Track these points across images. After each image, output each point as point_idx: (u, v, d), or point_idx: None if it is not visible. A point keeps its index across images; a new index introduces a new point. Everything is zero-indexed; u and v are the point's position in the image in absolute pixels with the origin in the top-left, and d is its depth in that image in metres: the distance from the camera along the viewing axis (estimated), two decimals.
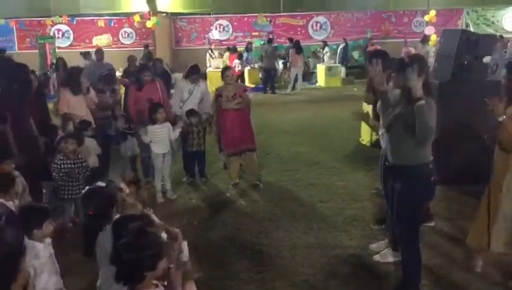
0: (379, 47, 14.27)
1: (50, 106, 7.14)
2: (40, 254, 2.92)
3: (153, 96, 6.36)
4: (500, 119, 3.72)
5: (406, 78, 3.27)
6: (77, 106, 5.82)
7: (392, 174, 3.65)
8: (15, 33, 19.57)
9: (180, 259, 2.37)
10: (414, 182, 3.42)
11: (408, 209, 3.46)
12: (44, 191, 5.51)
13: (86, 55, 13.53)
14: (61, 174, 4.75)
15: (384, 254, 4.30)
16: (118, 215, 2.69)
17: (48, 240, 3.05)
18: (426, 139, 3.26)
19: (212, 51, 17.97)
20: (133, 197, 4.47)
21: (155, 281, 2.15)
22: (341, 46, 18.22)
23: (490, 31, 19.96)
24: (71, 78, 6.14)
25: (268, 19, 20.43)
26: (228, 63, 16.47)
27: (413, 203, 3.45)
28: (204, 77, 15.82)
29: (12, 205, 3.63)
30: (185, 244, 2.50)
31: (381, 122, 4.04)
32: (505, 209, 3.77)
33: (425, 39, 15.20)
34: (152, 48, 17.24)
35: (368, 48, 16.28)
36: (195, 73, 6.63)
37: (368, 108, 5.25)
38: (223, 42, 19.92)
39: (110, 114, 6.65)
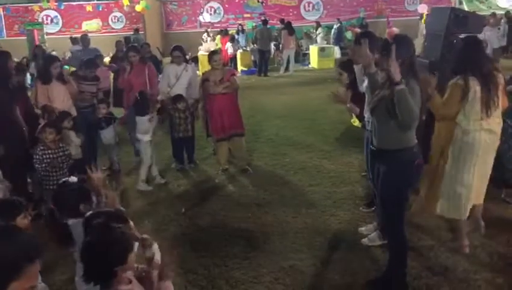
0: (358, 29, 14.15)
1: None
2: None
3: (139, 80, 6.25)
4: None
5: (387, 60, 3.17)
6: (57, 96, 5.65)
7: (377, 158, 3.59)
8: (3, 19, 19.30)
9: (153, 261, 2.30)
10: (398, 167, 3.37)
11: (393, 193, 3.41)
12: (29, 180, 5.47)
13: (74, 40, 13.34)
14: (43, 165, 4.66)
15: (372, 237, 4.28)
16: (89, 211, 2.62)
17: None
18: (409, 124, 3.18)
19: (208, 34, 17.72)
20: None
21: (128, 275, 2.09)
22: (335, 27, 18.04)
23: (483, 8, 19.80)
24: (43, 68, 6.00)
25: (259, 0, 20.18)
26: (220, 46, 16.31)
27: (398, 187, 3.39)
28: (196, 60, 15.70)
29: None
30: (155, 248, 2.42)
31: (366, 103, 3.97)
32: (451, 172, 3.97)
33: (421, 17, 15.10)
34: (142, 32, 17.04)
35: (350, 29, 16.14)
36: (176, 50, 6.49)
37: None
38: (215, 25, 19.69)
39: (95, 102, 6.50)
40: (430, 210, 4.26)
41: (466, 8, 18.54)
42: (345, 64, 5.09)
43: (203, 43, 17.62)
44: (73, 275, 2.86)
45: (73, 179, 2.73)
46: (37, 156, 4.67)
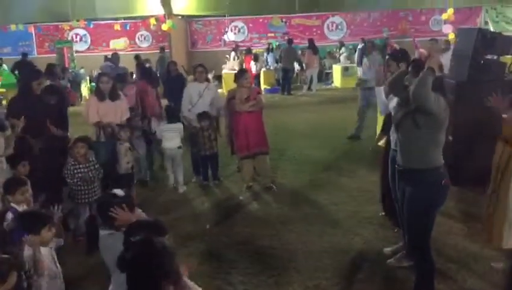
0: (397, 46, 14.09)
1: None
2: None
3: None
4: (505, 116, 3.71)
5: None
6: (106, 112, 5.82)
7: (403, 178, 3.58)
8: (34, 38, 19.91)
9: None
10: (425, 187, 3.36)
11: (419, 214, 3.40)
12: None
13: (107, 59, 13.68)
14: (74, 180, 4.78)
15: (398, 258, 4.24)
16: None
17: (51, 244, 3.07)
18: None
19: (236, 53, 17.91)
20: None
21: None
22: (359, 47, 18.03)
23: (510, 28, 19.59)
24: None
25: (283, 20, 20.39)
26: (244, 64, 16.48)
27: (425, 208, 3.38)
28: (219, 78, 15.89)
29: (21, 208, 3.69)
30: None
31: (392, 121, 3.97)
32: None
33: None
34: (168, 50, 17.34)
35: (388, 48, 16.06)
36: (200, 66, 6.70)
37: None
38: (238, 44, 19.94)
39: None
40: (494, 243, 4.07)
41: (492, 29, 18.39)
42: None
43: (227, 61, 17.83)
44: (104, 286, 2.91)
45: (120, 192, 2.80)
46: (68, 171, 4.79)
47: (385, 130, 4.71)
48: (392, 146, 4.18)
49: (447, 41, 12.18)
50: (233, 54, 17.83)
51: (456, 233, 4.76)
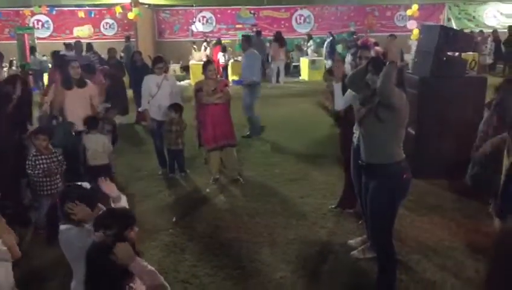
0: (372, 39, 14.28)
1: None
2: None
3: None
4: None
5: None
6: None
7: (365, 173, 3.65)
8: None
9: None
10: (387, 182, 3.43)
11: (382, 207, 3.47)
12: None
13: (67, 46, 13.31)
14: (36, 171, 4.64)
15: (362, 250, 4.32)
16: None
17: None
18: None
19: (208, 43, 17.69)
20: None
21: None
22: (328, 40, 18.18)
23: (471, 25, 20.19)
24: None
25: (252, 12, 20.32)
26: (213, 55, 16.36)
27: (388, 201, 3.45)
28: (187, 69, 15.69)
29: None
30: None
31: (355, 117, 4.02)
32: None
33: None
34: (134, 39, 17.02)
35: (360, 40, 16.20)
36: (160, 62, 6.61)
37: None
38: (207, 34, 19.76)
39: None
40: None
41: (454, 26, 18.90)
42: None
43: (193, 52, 17.66)
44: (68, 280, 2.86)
45: (87, 184, 2.73)
46: (30, 162, 4.65)
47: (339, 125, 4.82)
48: (355, 141, 4.24)
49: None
50: (204, 44, 17.67)
51: (418, 226, 4.88)
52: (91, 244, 2.29)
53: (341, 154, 5.27)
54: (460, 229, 4.78)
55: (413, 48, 12.78)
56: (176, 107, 6.35)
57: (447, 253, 4.32)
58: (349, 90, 4.18)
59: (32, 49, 15.81)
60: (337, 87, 4.50)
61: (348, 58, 9.15)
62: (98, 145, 5.52)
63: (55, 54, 9.98)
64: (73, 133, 5.68)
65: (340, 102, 4.50)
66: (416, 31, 15.81)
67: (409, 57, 12.11)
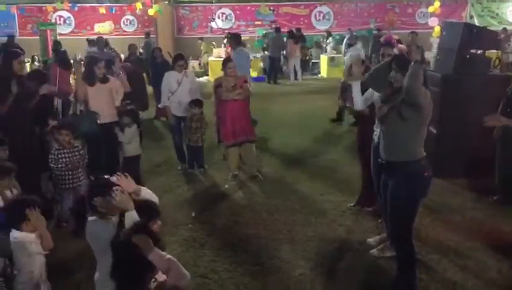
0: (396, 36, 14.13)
1: None
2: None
3: None
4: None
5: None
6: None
7: (385, 171, 3.63)
8: (16, 19, 19.50)
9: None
10: (407, 180, 3.40)
11: (402, 206, 3.45)
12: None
13: (90, 42, 13.49)
14: (59, 165, 4.72)
15: (382, 249, 4.29)
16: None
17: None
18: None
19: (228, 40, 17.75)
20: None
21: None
22: (347, 37, 18.03)
23: (494, 23, 19.80)
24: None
25: (271, 8, 20.29)
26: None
27: (407, 200, 3.43)
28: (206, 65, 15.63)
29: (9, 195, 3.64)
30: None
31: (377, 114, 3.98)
32: None
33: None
34: (154, 36, 17.15)
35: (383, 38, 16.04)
36: (181, 59, 6.66)
37: None
38: (226, 31, 19.80)
39: None
40: None
41: (477, 23, 18.56)
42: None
43: (213, 49, 17.69)
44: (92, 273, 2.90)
45: (114, 178, 2.76)
46: (53, 156, 4.73)
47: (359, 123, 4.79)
48: (375, 139, 4.20)
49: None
50: (225, 41, 17.70)
51: (438, 225, 4.83)
52: (115, 235, 2.33)
53: (359, 152, 5.24)
54: (481, 229, 4.72)
55: (435, 46, 12.60)
56: (197, 103, 6.41)
57: (468, 253, 4.27)
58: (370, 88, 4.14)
59: (57, 44, 16.02)
60: (356, 85, 4.41)
61: (347, 56, 9.11)
62: (134, 136, 5.81)
63: (57, 50, 10.09)
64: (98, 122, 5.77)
65: (360, 101, 4.43)
66: (437, 29, 15.59)
67: (429, 55, 11.93)
